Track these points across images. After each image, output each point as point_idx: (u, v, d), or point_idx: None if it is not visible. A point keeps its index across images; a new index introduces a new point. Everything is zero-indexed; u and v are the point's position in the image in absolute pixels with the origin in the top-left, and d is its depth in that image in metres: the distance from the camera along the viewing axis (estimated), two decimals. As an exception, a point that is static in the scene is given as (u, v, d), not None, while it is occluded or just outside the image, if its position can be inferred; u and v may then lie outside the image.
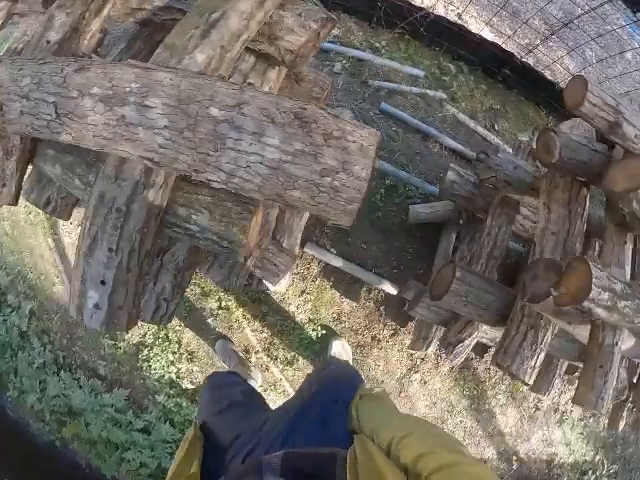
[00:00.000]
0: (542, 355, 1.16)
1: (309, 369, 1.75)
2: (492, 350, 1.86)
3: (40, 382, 1.94)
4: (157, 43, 1.39)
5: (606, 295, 0.85)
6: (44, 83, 0.76)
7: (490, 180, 1.41)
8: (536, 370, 1.16)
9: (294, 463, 0.53)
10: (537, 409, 2.06)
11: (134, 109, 0.66)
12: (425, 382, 1.87)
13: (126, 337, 1.85)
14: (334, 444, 0.57)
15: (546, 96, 2.11)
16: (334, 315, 1.77)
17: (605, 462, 2.16)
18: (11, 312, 2.02)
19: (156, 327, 1.82)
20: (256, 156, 0.58)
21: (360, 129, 0.55)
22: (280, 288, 1.66)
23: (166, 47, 0.84)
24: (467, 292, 1.20)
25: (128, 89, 0.66)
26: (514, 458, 2.07)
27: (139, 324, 1.83)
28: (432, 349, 1.63)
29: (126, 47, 1.35)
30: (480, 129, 2.03)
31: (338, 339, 1.75)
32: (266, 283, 1.58)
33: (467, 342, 1.43)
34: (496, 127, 2.09)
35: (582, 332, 1.13)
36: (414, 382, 1.85)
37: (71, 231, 1.98)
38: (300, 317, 1.76)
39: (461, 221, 1.76)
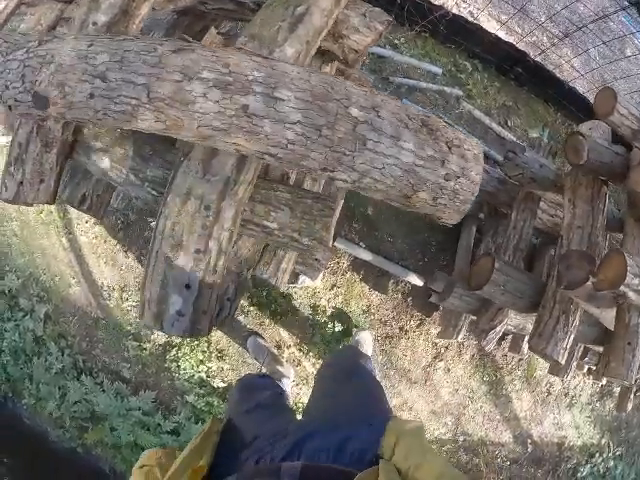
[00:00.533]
0: (572, 337, 1.37)
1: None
2: (509, 338, 2.09)
3: (59, 388, 2.01)
4: (197, 33, 1.47)
5: (637, 280, 1.06)
6: (130, 62, 0.71)
7: (517, 177, 1.61)
8: (567, 351, 1.37)
9: (312, 475, 0.58)
10: (549, 393, 2.32)
11: (260, 100, 0.65)
12: (449, 370, 2.08)
13: (152, 338, 1.95)
14: (348, 462, 0.63)
15: (555, 93, 2.34)
16: (364, 307, 1.94)
17: (611, 445, 2.45)
18: (24, 316, 2.07)
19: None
20: (393, 159, 0.65)
21: (470, 139, 0.71)
22: (315, 282, 1.82)
23: (252, 37, 0.88)
24: (505, 282, 1.40)
25: (251, 77, 0.66)
26: (529, 441, 2.32)
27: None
28: (461, 337, 1.83)
29: (165, 35, 1.38)
30: (495, 125, 2.25)
31: (363, 330, 1.92)
32: (303, 278, 1.73)
33: (498, 328, 1.64)
34: (509, 123, 2.31)
35: (607, 315, 1.35)
36: (438, 370, 2.06)
37: (87, 230, 2.05)
38: (331, 310, 1.92)
39: (482, 215, 1.97)
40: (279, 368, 1.85)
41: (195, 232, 0.82)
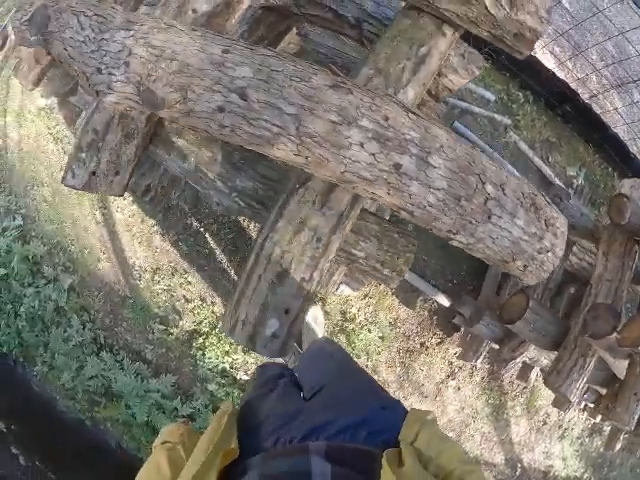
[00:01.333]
0: (586, 379, 1.69)
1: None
2: (518, 366, 2.42)
3: (76, 360, 2.22)
4: (279, 34, 1.66)
5: (655, 340, 1.37)
6: (279, 85, 0.72)
7: (558, 222, 1.90)
8: (580, 391, 1.69)
9: (337, 454, 0.65)
10: (545, 423, 2.69)
11: (414, 162, 0.73)
12: (459, 389, 2.40)
13: (179, 324, 2.18)
14: (363, 443, 0.71)
15: (597, 135, 2.65)
16: (391, 320, 2.23)
17: (592, 481, 2.86)
18: (46, 284, 2.26)
19: (214, 316, 2.17)
20: (506, 232, 0.83)
21: (560, 217, 0.94)
22: (353, 292, 2.08)
23: (378, 71, 0.96)
24: (535, 320, 1.70)
25: (408, 137, 0.73)
26: (518, 465, 2.69)
27: (196, 312, 2.18)
28: (480, 361, 2.14)
29: (248, 30, 1.44)
30: (537, 160, 2.54)
31: (313, 305, 2.02)
32: (343, 287, 1.99)
33: (518, 359, 1.95)
34: (550, 159, 2.61)
35: (620, 365, 1.68)
36: (449, 388, 2.38)
37: (124, 207, 2.24)
38: (360, 319, 2.20)
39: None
40: None
41: (303, 262, 0.91)
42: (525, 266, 0.95)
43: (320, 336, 2.08)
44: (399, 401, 0.93)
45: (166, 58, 0.78)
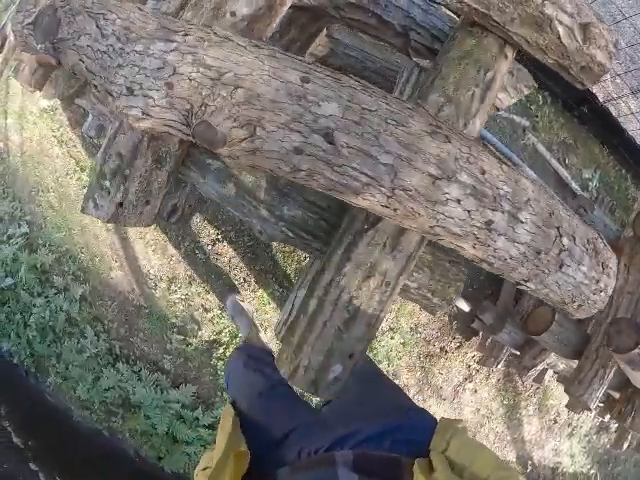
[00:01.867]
0: (605, 388, 1.82)
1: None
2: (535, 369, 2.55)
3: (91, 372, 2.26)
4: (311, 36, 1.63)
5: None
6: (372, 129, 0.67)
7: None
8: (598, 400, 1.82)
9: (365, 463, 0.68)
10: (555, 422, 2.85)
11: (505, 218, 0.73)
12: (476, 391, 2.53)
13: (198, 334, 2.23)
14: (390, 451, 0.73)
15: (613, 138, 2.74)
16: (412, 325, 2.32)
17: (598, 477, 3.05)
18: (56, 294, 2.27)
19: (234, 325, 2.23)
20: (571, 278, 0.87)
21: (613, 256, 0.98)
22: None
23: (448, 100, 0.93)
24: (560, 332, 1.80)
25: (502, 192, 0.73)
26: (529, 462, 2.86)
27: (215, 321, 2.23)
28: (500, 367, 2.26)
29: (279, 32, 1.41)
30: (554, 162, 2.62)
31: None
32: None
33: (539, 366, 2.07)
34: (567, 161, 2.70)
35: (638, 376, 1.80)
36: (467, 390, 2.51)
37: (137, 215, 2.25)
38: (382, 326, 2.28)
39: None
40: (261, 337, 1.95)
41: (371, 307, 0.90)
42: (580, 305, 1.02)
43: None
44: (423, 409, 0.94)
45: (227, 84, 0.68)
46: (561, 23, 0.92)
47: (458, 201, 0.71)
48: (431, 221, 0.74)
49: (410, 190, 0.69)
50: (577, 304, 1.00)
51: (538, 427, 2.81)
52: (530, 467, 2.85)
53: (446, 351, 2.41)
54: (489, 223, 0.74)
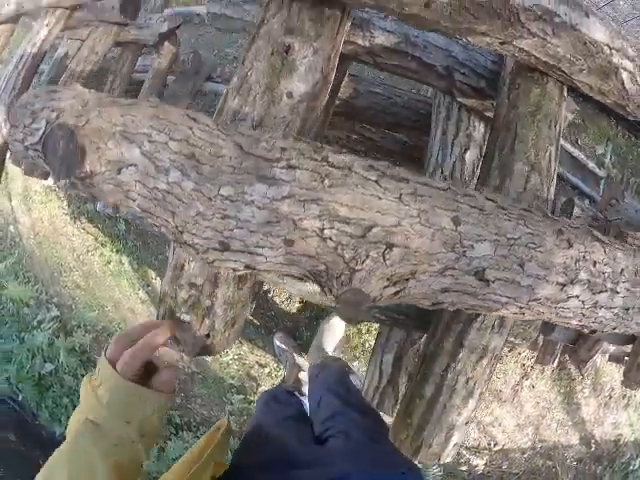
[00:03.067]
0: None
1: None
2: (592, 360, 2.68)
3: (155, 443, 2.30)
4: (339, 84, 1.65)
5: None
6: (518, 258, 0.70)
7: (615, 220, 2.11)
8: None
9: None
10: (610, 397, 2.99)
11: (608, 295, 0.80)
12: (533, 386, 2.65)
13: (258, 390, 2.29)
14: None
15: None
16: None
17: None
18: (103, 375, 2.30)
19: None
20: None
21: None
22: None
23: (531, 167, 0.98)
24: (620, 322, 1.91)
25: (606, 274, 0.79)
26: (592, 441, 3.01)
27: (273, 374, 2.29)
28: (556, 363, 2.37)
29: None
30: (568, 146, 2.73)
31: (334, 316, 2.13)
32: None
33: (595, 357, 2.18)
34: (579, 142, 2.81)
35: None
36: (524, 388, 2.62)
37: (170, 280, 2.29)
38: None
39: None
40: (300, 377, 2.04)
41: (483, 379, 0.99)
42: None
43: (337, 341, 2.17)
44: (419, 470, 1.00)
45: (376, 242, 0.61)
46: (625, 69, 1.00)
47: (577, 297, 0.79)
48: (551, 315, 0.81)
49: (541, 299, 0.76)
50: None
51: (595, 406, 2.95)
52: (593, 445, 3.00)
53: (500, 357, 2.51)
54: (595, 303, 0.82)
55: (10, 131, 0.78)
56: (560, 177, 2.68)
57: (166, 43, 1.94)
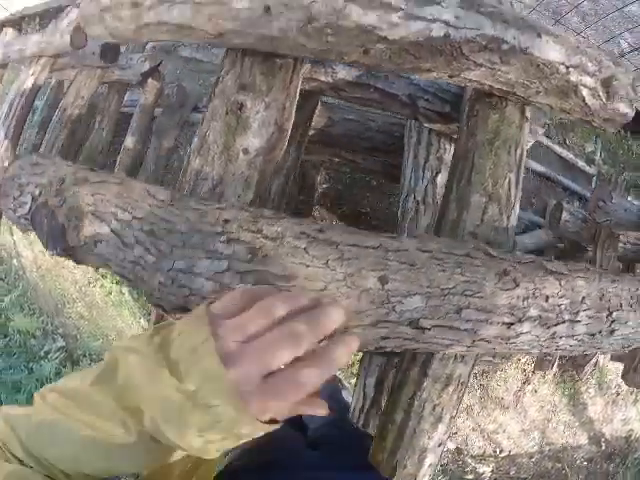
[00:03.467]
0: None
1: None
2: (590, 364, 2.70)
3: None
4: (309, 117, 1.71)
5: None
6: (454, 305, 0.73)
7: (605, 222, 2.14)
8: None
9: None
10: (618, 394, 3.01)
11: (566, 326, 0.81)
12: (535, 391, 2.68)
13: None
14: None
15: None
16: (461, 349, 2.46)
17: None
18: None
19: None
20: (620, 336, 0.93)
21: None
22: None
23: (489, 197, 0.99)
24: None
25: (562, 306, 0.80)
26: (602, 440, 3.02)
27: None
28: (555, 368, 2.41)
29: None
30: (556, 147, 2.77)
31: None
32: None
33: (593, 360, 2.22)
34: (567, 142, 2.84)
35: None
36: (527, 393, 2.66)
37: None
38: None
39: (561, 245, 2.51)
40: None
41: (451, 404, 1.01)
42: (629, 346, 1.15)
43: None
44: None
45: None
46: (585, 86, 0.96)
47: (529, 332, 0.81)
48: (505, 350, 0.85)
49: (487, 339, 0.79)
50: (628, 349, 1.13)
51: (602, 404, 2.96)
52: (603, 444, 3.01)
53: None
54: (554, 334, 0.84)
55: (2, 201, 0.92)
56: (551, 179, 2.71)
57: (150, 80, 2.03)
